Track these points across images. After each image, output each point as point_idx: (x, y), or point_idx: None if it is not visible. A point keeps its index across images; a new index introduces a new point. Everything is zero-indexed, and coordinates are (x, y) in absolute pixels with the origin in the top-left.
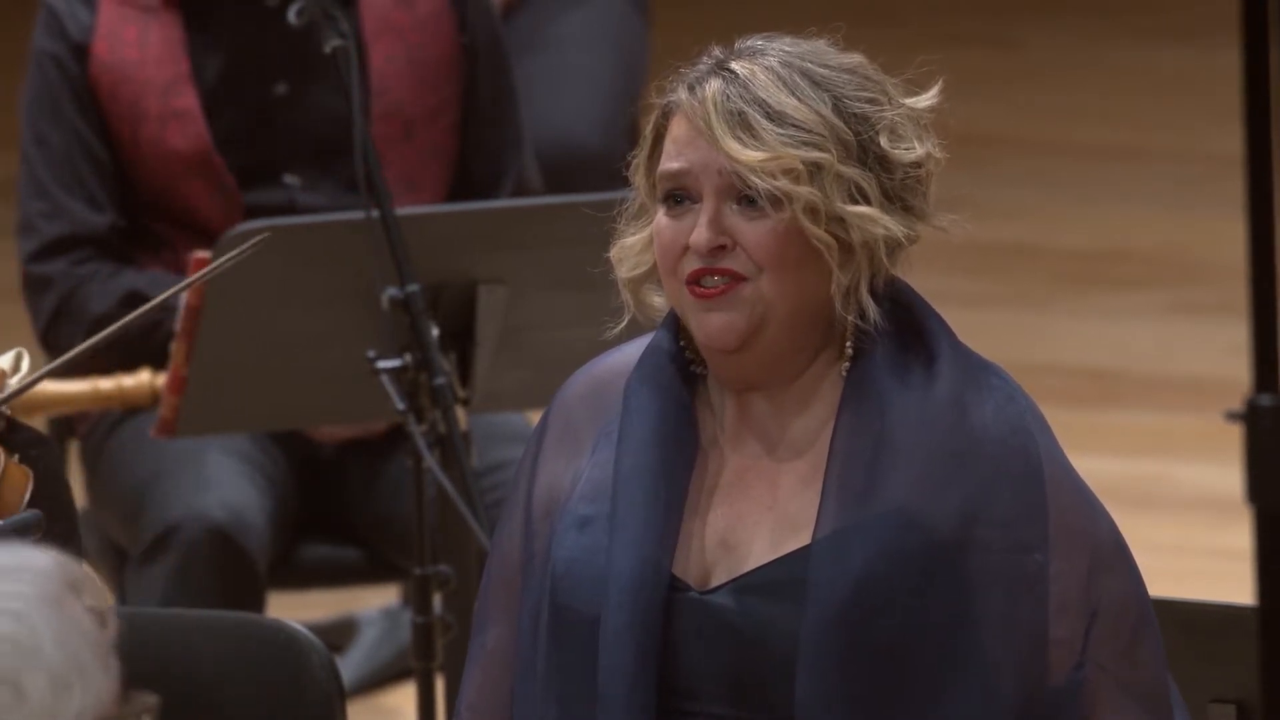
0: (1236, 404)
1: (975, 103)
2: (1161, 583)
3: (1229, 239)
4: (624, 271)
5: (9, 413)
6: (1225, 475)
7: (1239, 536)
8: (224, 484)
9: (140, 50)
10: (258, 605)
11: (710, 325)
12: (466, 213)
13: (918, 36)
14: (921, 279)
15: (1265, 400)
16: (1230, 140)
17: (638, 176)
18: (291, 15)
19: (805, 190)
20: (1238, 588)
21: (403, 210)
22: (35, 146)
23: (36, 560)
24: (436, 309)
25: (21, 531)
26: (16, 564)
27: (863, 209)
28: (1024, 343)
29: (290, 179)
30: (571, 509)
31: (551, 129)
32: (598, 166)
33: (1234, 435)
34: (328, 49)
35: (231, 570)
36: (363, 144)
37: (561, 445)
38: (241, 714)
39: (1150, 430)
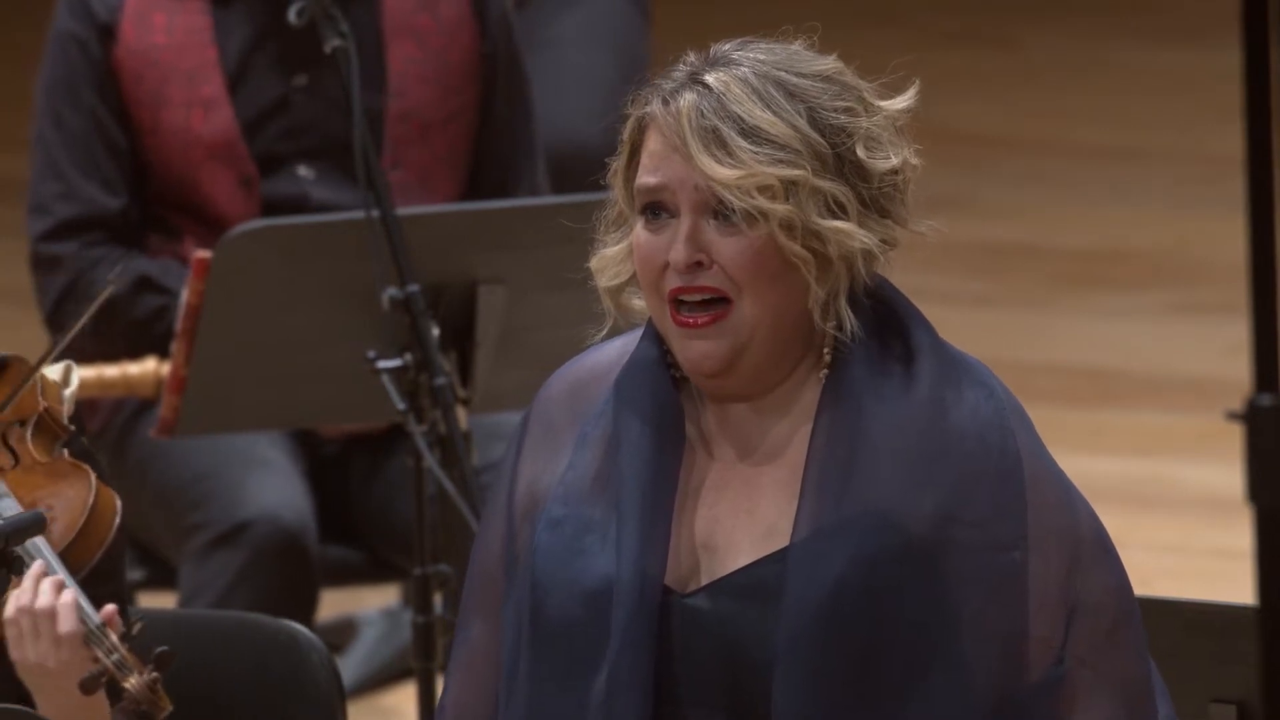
0: (1236, 404)
1: (975, 103)
2: (1161, 583)
3: (1229, 239)
4: (604, 281)
5: (68, 421)
6: (1225, 475)
7: (1239, 536)
8: (288, 487)
9: (167, 35)
10: (312, 607)
11: (693, 352)
12: (466, 213)
13: (918, 36)
14: (923, 279)
15: (1265, 400)
16: (1230, 140)
17: (616, 185)
18: (292, 15)
19: (781, 207)
20: (1238, 588)
21: (403, 210)
22: (53, 128)
23: None
24: (436, 309)
25: (24, 531)
26: None
27: (839, 224)
28: (1024, 343)
29: (305, 171)
30: (547, 511)
31: (552, 128)
32: (598, 166)
33: (1234, 435)
34: (328, 49)
35: (293, 572)
36: (362, 144)
37: (542, 446)
38: (242, 713)
39: (1150, 430)
